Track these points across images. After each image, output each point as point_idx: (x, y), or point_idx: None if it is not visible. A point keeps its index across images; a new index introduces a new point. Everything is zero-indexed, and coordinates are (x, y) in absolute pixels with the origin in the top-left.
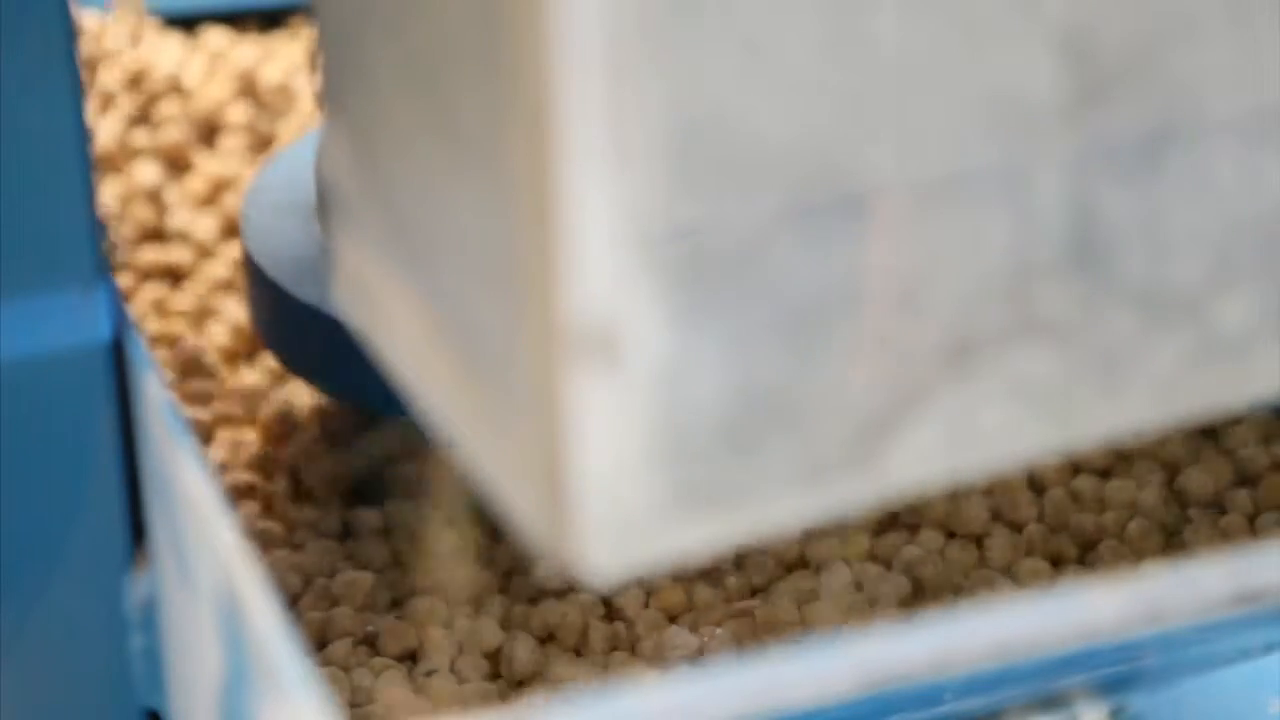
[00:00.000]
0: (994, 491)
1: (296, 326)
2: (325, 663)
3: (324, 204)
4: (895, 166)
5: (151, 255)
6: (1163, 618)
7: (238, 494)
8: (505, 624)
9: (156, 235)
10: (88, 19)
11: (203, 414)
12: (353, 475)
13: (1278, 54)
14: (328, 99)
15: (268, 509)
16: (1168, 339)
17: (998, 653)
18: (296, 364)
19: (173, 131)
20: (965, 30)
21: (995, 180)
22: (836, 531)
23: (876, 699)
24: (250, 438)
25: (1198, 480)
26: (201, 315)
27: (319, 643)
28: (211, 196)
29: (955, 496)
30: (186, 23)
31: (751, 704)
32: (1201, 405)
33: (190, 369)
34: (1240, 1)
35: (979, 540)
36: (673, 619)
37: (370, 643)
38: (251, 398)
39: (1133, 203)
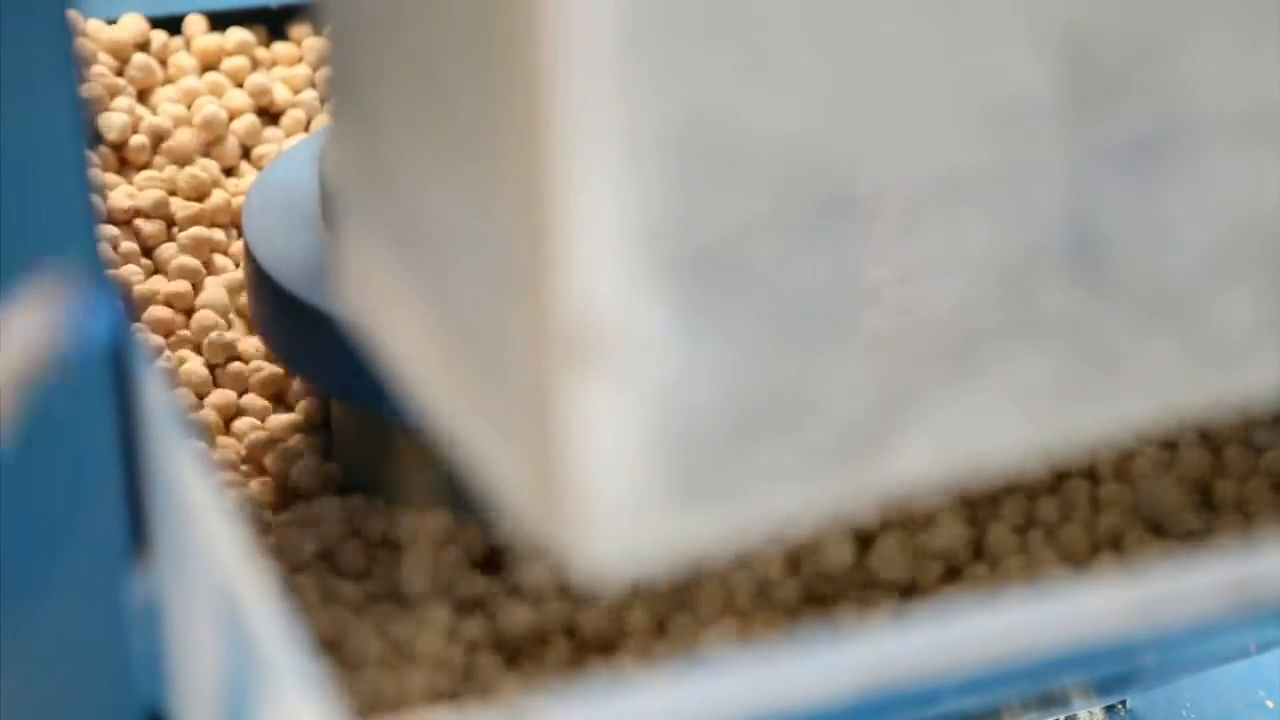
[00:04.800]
0: (989, 493)
1: (298, 327)
2: (325, 660)
3: (328, 204)
4: (894, 166)
5: None
6: (1159, 617)
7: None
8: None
9: None
10: (92, 26)
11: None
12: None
13: (1277, 54)
14: (333, 99)
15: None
16: (1165, 339)
17: (997, 652)
18: (298, 364)
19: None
20: (964, 31)
21: (994, 180)
22: None
23: (876, 699)
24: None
25: (1191, 481)
26: None
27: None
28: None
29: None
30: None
31: (751, 704)
32: (1199, 405)
33: None
34: (1239, 2)
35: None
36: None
37: (369, 641)
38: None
39: (1131, 203)
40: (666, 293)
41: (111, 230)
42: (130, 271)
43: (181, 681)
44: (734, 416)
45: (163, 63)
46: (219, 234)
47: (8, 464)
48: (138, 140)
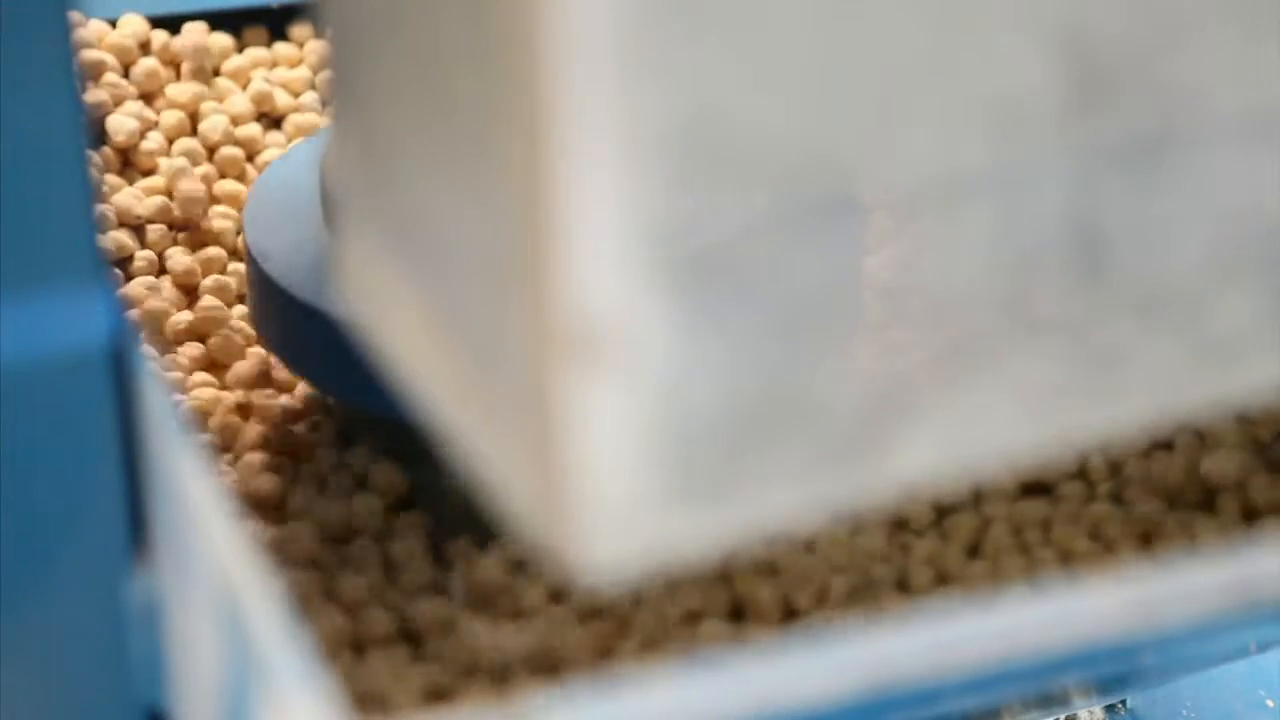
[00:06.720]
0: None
1: (298, 327)
2: (325, 659)
3: (329, 204)
4: (894, 166)
5: None
6: (1159, 617)
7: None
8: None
9: None
10: (94, 28)
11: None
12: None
13: (1277, 54)
14: (334, 100)
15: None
16: (1165, 338)
17: (997, 652)
18: (298, 364)
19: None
20: (964, 31)
21: (994, 180)
22: None
23: (876, 699)
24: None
25: (1188, 480)
26: None
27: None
28: None
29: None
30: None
31: (752, 704)
32: (1199, 404)
33: None
34: (1239, 2)
35: (974, 544)
36: None
37: (370, 639)
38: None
39: (1131, 203)
40: (666, 292)
41: (115, 234)
42: (133, 274)
43: (181, 681)
44: (734, 416)
45: (164, 63)
46: (223, 237)
47: (8, 464)
48: (143, 144)
